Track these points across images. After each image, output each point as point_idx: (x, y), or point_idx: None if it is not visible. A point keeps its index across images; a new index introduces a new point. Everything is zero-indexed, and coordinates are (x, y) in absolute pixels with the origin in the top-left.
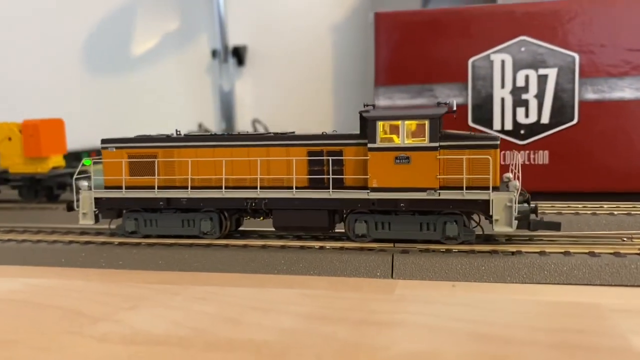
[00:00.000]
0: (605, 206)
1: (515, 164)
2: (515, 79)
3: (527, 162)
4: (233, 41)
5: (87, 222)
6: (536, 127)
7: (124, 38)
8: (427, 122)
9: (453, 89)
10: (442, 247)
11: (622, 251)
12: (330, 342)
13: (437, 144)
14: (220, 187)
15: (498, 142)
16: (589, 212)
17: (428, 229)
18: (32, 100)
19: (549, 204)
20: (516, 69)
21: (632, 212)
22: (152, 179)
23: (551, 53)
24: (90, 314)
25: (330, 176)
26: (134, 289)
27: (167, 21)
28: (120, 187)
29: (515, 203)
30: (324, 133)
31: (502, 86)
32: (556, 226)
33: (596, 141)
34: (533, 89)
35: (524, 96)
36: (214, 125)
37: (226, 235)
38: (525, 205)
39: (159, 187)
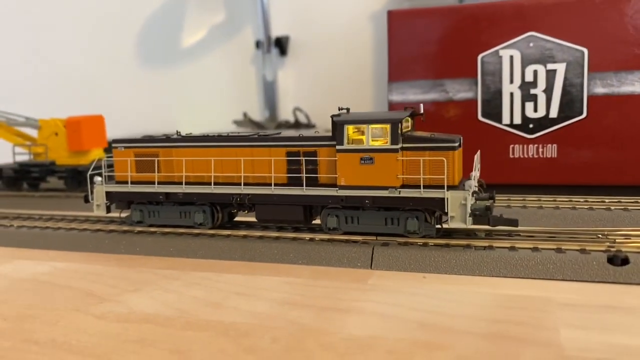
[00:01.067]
0: (607, 201)
1: (475, 164)
2: (524, 74)
3: (535, 156)
4: (275, 32)
5: (100, 212)
6: (545, 121)
7: (174, 31)
8: (388, 127)
9: (463, 84)
10: (420, 241)
11: (588, 248)
12: (289, 326)
13: (397, 147)
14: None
15: (456, 144)
16: (585, 207)
17: (392, 223)
18: (86, 92)
19: (551, 197)
20: (525, 64)
21: (629, 208)
22: (154, 175)
23: (560, 48)
24: (99, 294)
25: (304, 175)
26: (143, 274)
27: (213, 14)
28: (127, 180)
29: (469, 201)
30: (301, 135)
31: (511, 81)
32: (514, 222)
33: (605, 135)
34: (542, 83)
35: (532, 91)
36: (258, 114)
37: (219, 226)
38: (484, 202)
39: (160, 183)
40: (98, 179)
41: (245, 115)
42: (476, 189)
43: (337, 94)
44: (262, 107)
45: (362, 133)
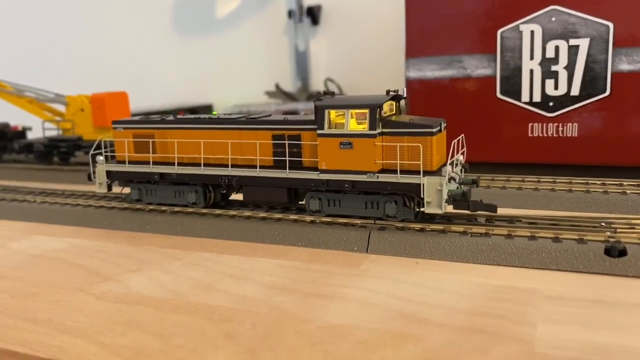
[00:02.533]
0: (625, 183)
1: (460, 145)
2: (545, 50)
3: (554, 135)
4: (308, 1)
5: (102, 190)
6: (565, 100)
7: (207, 2)
8: (367, 111)
9: (482, 60)
10: (418, 226)
11: (586, 238)
12: (271, 312)
13: (375, 132)
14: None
15: (434, 130)
16: (600, 190)
17: (372, 207)
18: (121, 65)
19: (566, 179)
20: (546, 39)
21: None
22: (149, 155)
23: (583, 22)
24: (103, 273)
25: (287, 158)
26: (147, 253)
27: None
28: (125, 159)
29: (445, 187)
30: (286, 119)
31: (531, 57)
32: (493, 208)
33: (629, 114)
34: (563, 60)
35: (553, 67)
36: (290, 84)
37: (213, 204)
38: (461, 189)
39: (155, 163)
40: (100, 158)
41: (277, 86)
42: (455, 175)
43: (369, 65)
44: (294, 78)
45: (341, 118)
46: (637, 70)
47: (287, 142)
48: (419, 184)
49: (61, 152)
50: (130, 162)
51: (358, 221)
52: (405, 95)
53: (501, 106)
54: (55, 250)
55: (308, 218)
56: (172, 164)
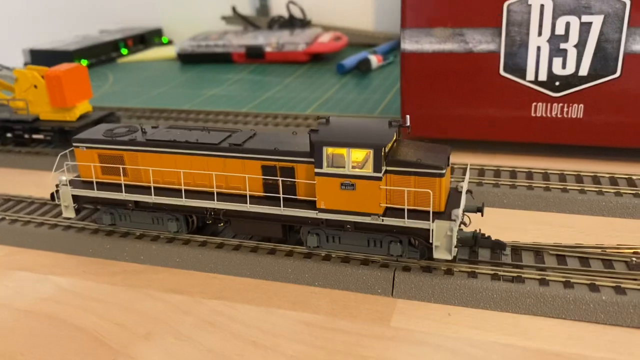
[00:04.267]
0: (635, 177)
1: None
2: (555, 26)
3: (559, 116)
4: None
5: (69, 215)
6: (573, 79)
7: None
8: (371, 152)
9: (485, 34)
10: (444, 266)
11: (623, 285)
12: None
13: (380, 174)
14: (178, 189)
15: (443, 171)
16: (612, 190)
17: (375, 245)
18: None
19: (573, 172)
20: (556, 14)
21: None
22: (121, 178)
23: None
24: (110, 343)
25: (281, 195)
26: (151, 303)
27: None
28: (93, 182)
29: (455, 232)
30: (277, 149)
31: (539, 34)
32: (502, 246)
33: (638, 95)
34: (574, 37)
35: (562, 45)
36: (248, 7)
37: (195, 231)
38: (470, 232)
39: (128, 186)
40: (62, 178)
41: (234, 9)
42: (466, 220)
43: None
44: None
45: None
46: None
47: (280, 178)
48: (428, 229)
49: (16, 135)
50: (99, 185)
51: (379, 257)
52: (408, 124)
53: (504, 84)
54: (44, 300)
55: (323, 252)
56: (147, 188)
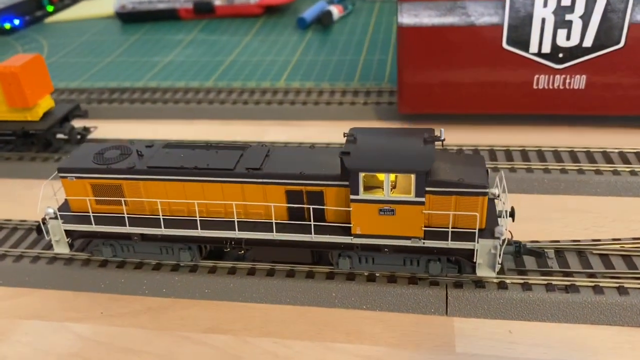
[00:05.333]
0: None
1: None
2: None
3: (561, 87)
4: None
5: (62, 250)
6: (577, 51)
7: None
8: (413, 177)
9: (488, 6)
10: (495, 279)
11: None
12: None
13: (423, 199)
14: (194, 218)
15: (487, 191)
16: (627, 169)
17: (411, 264)
18: None
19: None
20: None
21: None
22: (121, 208)
23: None
24: None
25: (312, 223)
26: (190, 348)
27: None
28: (87, 213)
29: (499, 250)
30: (302, 173)
31: (545, 5)
32: (540, 255)
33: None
34: (580, 8)
35: (568, 17)
36: None
37: (210, 256)
38: (512, 246)
39: (131, 216)
40: (49, 210)
41: None
42: (509, 235)
43: None
44: None
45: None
46: None
47: (310, 206)
48: (472, 249)
49: None
50: (95, 216)
51: (425, 275)
52: (443, 137)
53: (507, 57)
54: (70, 357)
55: (365, 272)
56: (153, 217)
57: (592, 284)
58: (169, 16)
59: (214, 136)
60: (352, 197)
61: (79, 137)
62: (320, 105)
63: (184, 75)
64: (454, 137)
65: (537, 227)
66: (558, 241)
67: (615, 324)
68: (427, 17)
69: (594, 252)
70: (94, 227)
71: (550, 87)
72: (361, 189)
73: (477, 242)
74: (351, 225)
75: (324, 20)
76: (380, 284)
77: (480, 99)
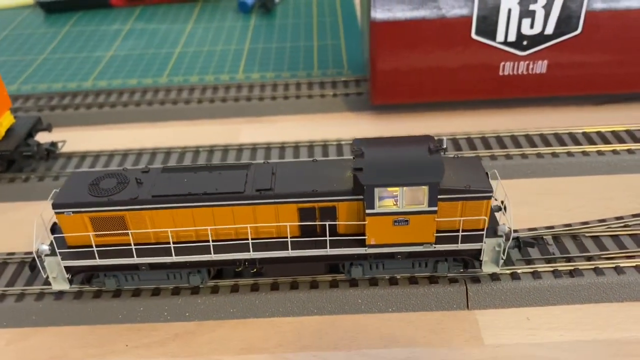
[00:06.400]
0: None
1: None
2: None
3: (524, 73)
4: None
5: (61, 287)
6: (539, 38)
7: None
8: (426, 189)
9: None
10: (507, 270)
11: None
12: None
13: (435, 208)
14: (204, 242)
15: (492, 194)
16: (594, 150)
17: (419, 266)
18: None
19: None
20: None
21: None
22: (127, 239)
23: None
24: None
25: (327, 238)
26: None
27: None
28: (85, 246)
29: (502, 246)
30: (315, 190)
31: None
32: (532, 244)
33: (596, 50)
34: None
35: (531, 7)
36: None
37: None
38: (512, 242)
39: (138, 247)
40: (43, 247)
41: None
42: (511, 232)
43: None
44: None
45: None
46: (608, 9)
47: (325, 222)
48: (480, 249)
49: None
50: (99, 250)
51: (439, 274)
52: (445, 146)
53: (475, 46)
54: None
55: (386, 275)
56: (160, 244)
57: (592, 267)
58: (99, 4)
59: (189, 139)
60: (367, 211)
61: (50, 153)
62: (290, 100)
63: (133, 72)
64: (426, 125)
65: (526, 211)
66: (553, 227)
67: (616, 300)
68: (400, 12)
69: (586, 235)
70: (97, 262)
71: (515, 72)
72: (377, 203)
73: (484, 242)
74: (365, 236)
75: (267, 4)
76: (403, 286)
77: (451, 87)
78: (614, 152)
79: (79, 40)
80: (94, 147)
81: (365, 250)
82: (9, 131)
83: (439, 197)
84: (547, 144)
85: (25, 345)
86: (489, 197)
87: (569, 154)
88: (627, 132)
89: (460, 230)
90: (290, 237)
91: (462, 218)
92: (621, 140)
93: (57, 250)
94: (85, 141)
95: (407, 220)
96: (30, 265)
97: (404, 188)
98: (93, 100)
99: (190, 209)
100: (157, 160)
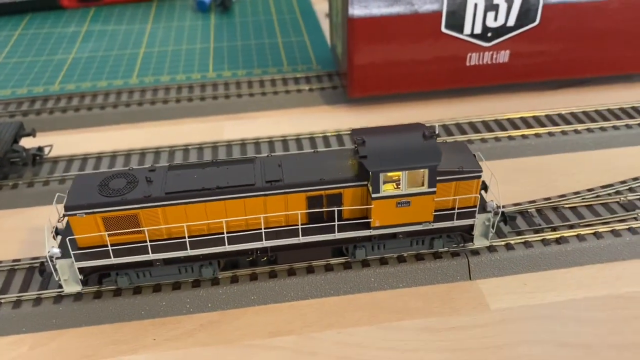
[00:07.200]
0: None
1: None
2: None
3: (489, 62)
4: None
5: (73, 289)
6: (502, 30)
7: None
8: (426, 171)
9: None
10: (503, 243)
11: (635, 226)
12: None
13: (434, 189)
14: (216, 235)
15: (481, 174)
16: (559, 130)
17: (417, 244)
18: None
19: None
20: None
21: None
22: (142, 236)
23: None
24: None
25: (336, 223)
26: (265, 353)
27: None
28: (98, 247)
29: (492, 221)
30: (322, 179)
31: None
32: (513, 218)
33: (551, 39)
34: None
35: (495, 1)
36: None
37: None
38: (500, 217)
39: (153, 243)
40: (54, 250)
41: None
42: (499, 207)
43: None
44: None
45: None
46: (562, 2)
47: (329, 209)
48: (473, 225)
49: None
50: (114, 249)
51: (442, 250)
52: (437, 132)
53: (445, 39)
54: None
55: (394, 254)
56: (173, 239)
57: (575, 234)
58: (49, 6)
59: (174, 138)
60: (373, 195)
61: (37, 158)
62: (268, 96)
63: (100, 74)
64: (401, 115)
65: (507, 189)
66: (534, 201)
67: (598, 262)
68: (376, 8)
69: (565, 206)
70: (112, 261)
71: (480, 62)
72: (382, 187)
73: (476, 218)
74: (369, 219)
75: (226, 2)
76: (411, 263)
77: (422, 78)
78: (576, 131)
79: (34, 43)
80: (76, 150)
81: (370, 232)
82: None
83: (438, 178)
84: (516, 127)
85: (50, 348)
86: (479, 177)
87: (537, 135)
88: (584, 113)
89: (458, 208)
90: (303, 225)
91: (457, 197)
92: (580, 121)
93: (72, 252)
94: (67, 145)
95: (409, 202)
96: (40, 270)
97: (406, 172)
98: (67, 104)
99: (204, 203)
100: (147, 160)
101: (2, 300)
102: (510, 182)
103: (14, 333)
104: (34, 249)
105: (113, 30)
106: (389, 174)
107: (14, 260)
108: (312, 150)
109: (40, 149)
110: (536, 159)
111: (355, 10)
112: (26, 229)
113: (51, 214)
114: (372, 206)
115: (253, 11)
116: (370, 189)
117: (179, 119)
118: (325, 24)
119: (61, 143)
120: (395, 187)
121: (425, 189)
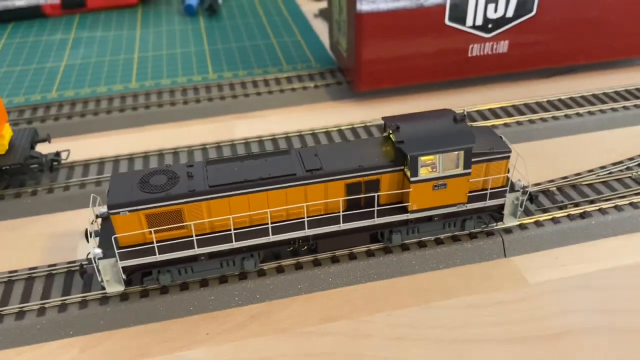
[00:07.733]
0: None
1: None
2: None
3: (489, 53)
4: None
5: (115, 289)
6: (501, 21)
7: None
8: (462, 153)
9: None
10: (532, 220)
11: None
12: None
13: (469, 170)
14: (258, 226)
15: (510, 153)
16: (563, 114)
17: (449, 226)
18: None
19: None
20: None
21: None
22: (180, 233)
23: None
24: None
25: (376, 208)
26: (321, 339)
27: None
28: (140, 245)
29: (520, 200)
30: (361, 166)
31: None
32: (536, 196)
33: (547, 28)
34: None
35: None
36: None
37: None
38: (526, 196)
39: (199, 237)
40: (96, 250)
41: None
42: (527, 186)
43: None
44: None
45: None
46: None
47: (374, 194)
48: (503, 204)
49: None
50: (159, 246)
51: (476, 231)
52: (465, 114)
53: (448, 31)
54: None
55: (431, 237)
56: (216, 233)
57: (597, 208)
58: (32, 14)
59: (188, 139)
60: (412, 179)
61: (54, 164)
62: (274, 94)
63: (98, 79)
64: (408, 106)
65: (523, 171)
66: (553, 180)
67: (619, 234)
68: (383, 3)
69: (582, 183)
70: (157, 258)
71: (481, 53)
72: (420, 171)
73: (506, 197)
74: (404, 204)
75: (214, 5)
76: (449, 244)
77: (427, 70)
78: (578, 114)
79: (21, 52)
80: (88, 156)
81: (408, 215)
82: (10, 144)
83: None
84: (521, 113)
85: (101, 350)
86: (509, 157)
87: (543, 119)
88: (583, 97)
89: (489, 188)
90: (344, 213)
91: (490, 177)
92: (580, 105)
93: (117, 251)
94: (77, 151)
95: (445, 184)
96: (80, 272)
97: (442, 155)
98: (71, 110)
99: (247, 195)
100: (166, 160)
101: (47, 305)
102: (530, 164)
103: (62, 337)
104: (60, 255)
105: (102, 36)
106: (426, 157)
107: (50, 266)
108: (344, 141)
109: (57, 154)
110: (545, 142)
111: (364, 6)
112: (49, 235)
113: (83, 217)
114: (411, 190)
115: (241, 14)
116: (409, 173)
117: (188, 120)
118: (316, 24)
119: (71, 149)
120: (430, 170)
121: (460, 170)
